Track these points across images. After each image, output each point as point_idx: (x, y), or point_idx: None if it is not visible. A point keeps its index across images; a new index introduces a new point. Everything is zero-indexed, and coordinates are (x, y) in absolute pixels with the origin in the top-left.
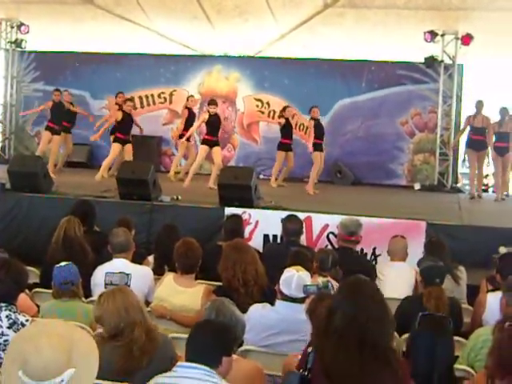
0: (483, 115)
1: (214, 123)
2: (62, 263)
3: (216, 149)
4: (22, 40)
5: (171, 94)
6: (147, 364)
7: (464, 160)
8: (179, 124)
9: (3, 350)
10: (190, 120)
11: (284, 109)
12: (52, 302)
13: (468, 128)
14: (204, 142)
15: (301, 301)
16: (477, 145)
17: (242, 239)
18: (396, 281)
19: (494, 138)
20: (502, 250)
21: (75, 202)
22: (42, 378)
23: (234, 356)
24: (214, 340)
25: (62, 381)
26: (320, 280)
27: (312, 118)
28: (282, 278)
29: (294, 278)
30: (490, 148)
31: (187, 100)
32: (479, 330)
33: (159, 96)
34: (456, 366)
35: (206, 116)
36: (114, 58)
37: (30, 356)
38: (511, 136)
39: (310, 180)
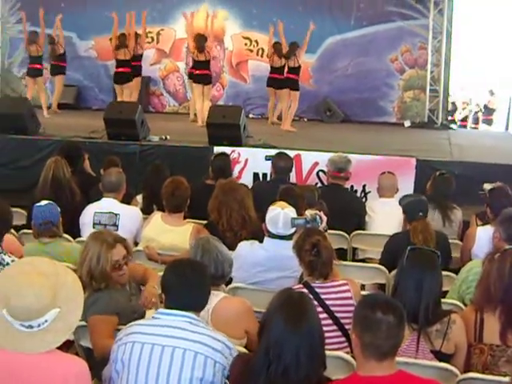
0: None
1: None
2: (42, 202)
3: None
4: None
5: (158, 34)
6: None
7: None
8: None
9: None
10: None
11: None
12: (35, 243)
13: None
14: None
15: (289, 238)
16: None
17: (231, 177)
18: (386, 217)
19: None
20: (487, 186)
21: (61, 144)
22: (25, 318)
23: (223, 294)
24: (193, 282)
25: (46, 321)
26: (308, 213)
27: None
28: (268, 216)
29: (280, 216)
30: None
31: None
32: (472, 263)
33: (146, 35)
34: (445, 300)
35: None
36: None
37: (12, 296)
38: None
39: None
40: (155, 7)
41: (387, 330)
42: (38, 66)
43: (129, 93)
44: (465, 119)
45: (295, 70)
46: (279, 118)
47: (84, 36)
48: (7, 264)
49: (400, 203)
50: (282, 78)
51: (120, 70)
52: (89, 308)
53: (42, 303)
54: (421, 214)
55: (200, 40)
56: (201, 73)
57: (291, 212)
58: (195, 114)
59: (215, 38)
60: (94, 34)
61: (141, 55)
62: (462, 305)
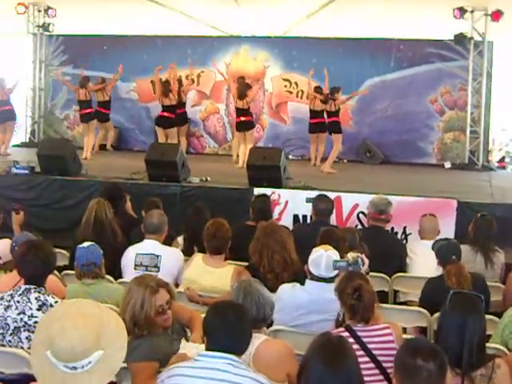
0: None
1: None
2: (85, 244)
3: None
4: (49, 24)
5: (199, 76)
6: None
7: None
8: None
9: (33, 332)
10: None
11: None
12: (77, 284)
13: None
14: None
15: (331, 280)
16: None
17: (271, 219)
18: (427, 260)
19: None
20: None
21: (104, 185)
22: (69, 359)
23: (265, 336)
24: (236, 325)
25: (90, 362)
26: (350, 256)
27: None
28: (311, 258)
29: (322, 258)
30: None
31: None
32: None
33: (187, 77)
34: (488, 344)
35: None
36: (141, 40)
37: (56, 337)
38: None
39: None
40: (196, 50)
41: (427, 378)
42: (89, 111)
43: (174, 137)
44: (502, 160)
45: (335, 113)
46: (322, 160)
47: (125, 78)
48: (51, 305)
49: (433, 248)
50: (324, 122)
51: (164, 114)
52: (130, 353)
53: (85, 345)
54: (454, 257)
55: (242, 87)
56: (243, 120)
57: (334, 254)
58: (238, 155)
59: (256, 80)
60: (135, 76)
61: (185, 103)
62: (505, 349)
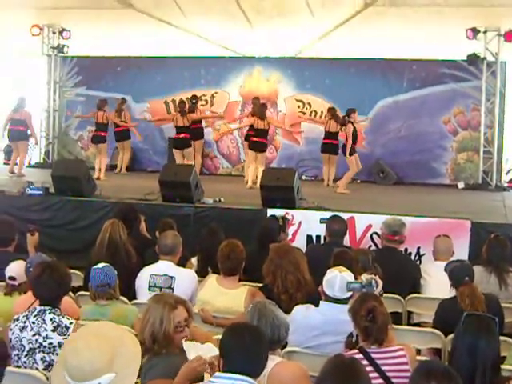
0: None
1: None
2: (100, 265)
3: None
4: (63, 45)
5: (212, 96)
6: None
7: None
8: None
9: (48, 353)
10: None
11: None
12: (91, 305)
13: None
14: None
15: (345, 301)
16: None
17: (276, 241)
18: (441, 281)
19: None
20: None
21: (118, 206)
22: (79, 378)
23: (279, 358)
24: (252, 348)
25: None
26: (363, 277)
27: (351, 122)
28: (325, 278)
29: (337, 279)
30: None
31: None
32: None
33: (200, 98)
34: (503, 366)
35: None
36: (155, 61)
37: (68, 356)
38: None
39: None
40: (209, 71)
41: None
42: (103, 134)
43: (191, 157)
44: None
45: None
46: (334, 180)
47: (139, 99)
48: (66, 326)
49: (445, 270)
50: (337, 145)
51: (180, 136)
52: (147, 372)
53: (95, 366)
54: (467, 278)
55: (260, 108)
56: (258, 140)
57: (348, 276)
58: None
59: (268, 100)
60: (148, 97)
61: (200, 120)
62: None
